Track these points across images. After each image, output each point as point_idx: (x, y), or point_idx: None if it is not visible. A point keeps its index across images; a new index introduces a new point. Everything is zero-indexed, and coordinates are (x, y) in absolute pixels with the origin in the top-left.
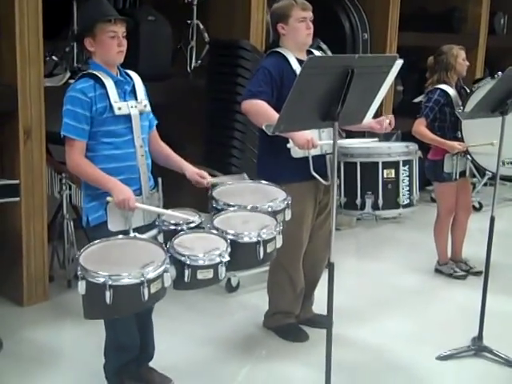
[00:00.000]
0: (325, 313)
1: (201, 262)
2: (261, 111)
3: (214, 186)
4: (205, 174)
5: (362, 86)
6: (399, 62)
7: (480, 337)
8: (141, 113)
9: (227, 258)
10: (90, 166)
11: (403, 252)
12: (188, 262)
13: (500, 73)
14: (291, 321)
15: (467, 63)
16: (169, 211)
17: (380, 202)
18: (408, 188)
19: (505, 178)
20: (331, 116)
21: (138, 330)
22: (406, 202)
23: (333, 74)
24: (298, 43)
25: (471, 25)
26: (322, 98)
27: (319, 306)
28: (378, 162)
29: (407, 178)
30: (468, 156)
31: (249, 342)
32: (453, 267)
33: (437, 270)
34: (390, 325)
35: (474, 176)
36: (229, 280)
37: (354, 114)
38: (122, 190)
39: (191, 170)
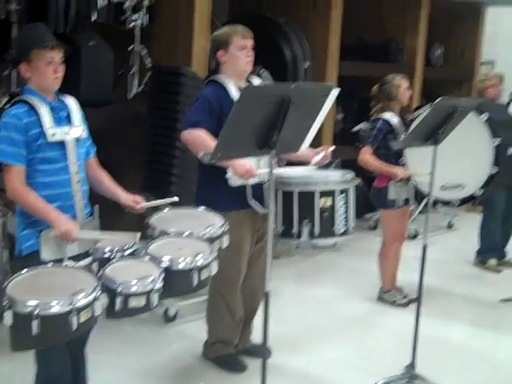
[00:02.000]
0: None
1: (133, 290)
2: (199, 141)
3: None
4: (139, 199)
5: (298, 115)
6: (335, 92)
7: (413, 364)
8: (76, 139)
9: (160, 285)
10: (30, 195)
11: (343, 279)
12: (120, 290)
13: None
14: (230, 351)
15: (410, 92)
16: (109, 235)
17: (316, 230)
18: (344, 216)
19: (444, 203)
20: (268, 144)
21: (71, 363)
22: (342, 230)
23: (269, 103)
24: (237, 71)
25: (408, 56)
26: (258, 126)
27: (259, 335)
28: (314, 191)
29: (343, 207)
30: (411, 182)
31: (187, 373)
32: (395, 295)
33: (379, 297)
34: (327, 353)
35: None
36: (166, 310)
37: (290, 142)
38: (63, 222)
39: (126, 197)
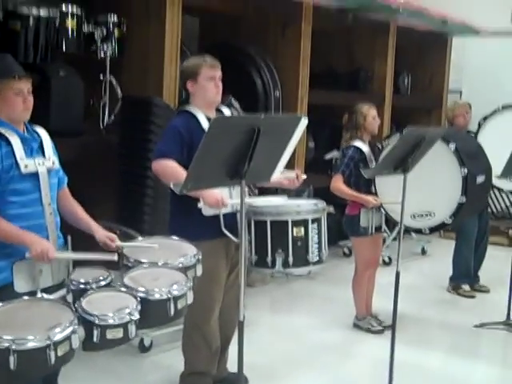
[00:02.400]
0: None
1: (110, 322)
2: (169, 171)
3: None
4: (114, 236)
5: (268, 145)
6: (305, 122)
7: None
8: (49, 170)
9: (137, 317)
10: (1, 222)
11: (318, 307)
12: (97, 322)
13: None
14: (207, 381)
15: (378, 121)
16: (85, 255)
17: (290, 259)
18: (317, 245)
19: (415, 231)
20: (238, 174)
21: None
22: (316, 259)
23: (239, 133)
24: (207, 101)
25: (377, 84)
26: (229, 156)
27: (234, 363)
28: (287, 221)
29: (316, 235)
30: (382, 210)
31: None
32: (370, 322)
33: (355, 325)
34: (304, 382)
35: (384, 231)
36: (142, 340)
37: (261, 171)
38: (39, 242)
39: (101, 232)
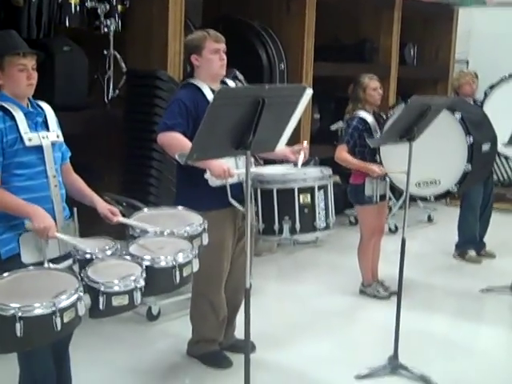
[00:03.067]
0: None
1: (116, 289)
2: (175, 143)
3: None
4: (116, 210)
5: (273, 116)
6: (309, 92)
7: (396, 355)
8: (53, 143)
9: (142, 284)
10: (5, 194)
11: (325, 275)
12: (102, 289)
13: None
14: (215, 348)
15: (380, 92)
16: (86, 243)
17: (297, 226)
18: (324, 212)
19: (420, 198)
20: (244, 145)
21: (54, 363)
22: (323, 225)
23: (244, 105)
24: (211, 74)
25: (383, 56)
26: (234, 127)
27: (242, 331)
28: (293, 188)
29: (323, 202)
30: (387, 179)
31: (172, 371)
32: (377, 288)
33: (361, 292)
34: (310, 348)
35: (390, 199)
36: (149, 308)
37: (266, 142)
38: (43, 218)
39: (102, 205)
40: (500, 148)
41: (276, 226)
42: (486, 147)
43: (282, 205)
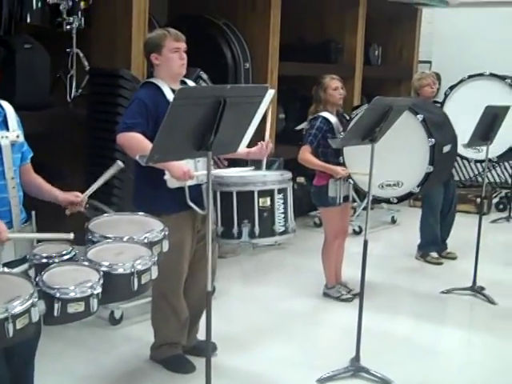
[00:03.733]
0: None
1: (71, 295)
2: (135, 143)
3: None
4: (78, 193)
5: (234, 116)
6: (271, 92)
7: (357, 357)
8: (12, 144)
9: (99, 290)
10: None
11: (289, 277)
12: (58, 295)
13: None
14: (178, 352)
15: (341, 92)
16: (41, 234)
17: (256, 230)
18: (283, 215)
19: (383, 201)
20: (205, 146)
21: (17, 372)
22: (282, 229)
23: (205, 105)
24: (171, 73)
25: (347, 56)
26: (194, 128)
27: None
28: (253, 191)
29: (282, 206)
30: (350, 180)
31: (135, 376)
32: (340, 290)
33: (325, 294)
34: (273, 351)
35: (355, 201)
36: (112, 312)
37: (227, 143)
38: None
39: (62, 194)
40: (460, 150)
41: (235, 230)
42: (447, 148)
43: (241, 208)
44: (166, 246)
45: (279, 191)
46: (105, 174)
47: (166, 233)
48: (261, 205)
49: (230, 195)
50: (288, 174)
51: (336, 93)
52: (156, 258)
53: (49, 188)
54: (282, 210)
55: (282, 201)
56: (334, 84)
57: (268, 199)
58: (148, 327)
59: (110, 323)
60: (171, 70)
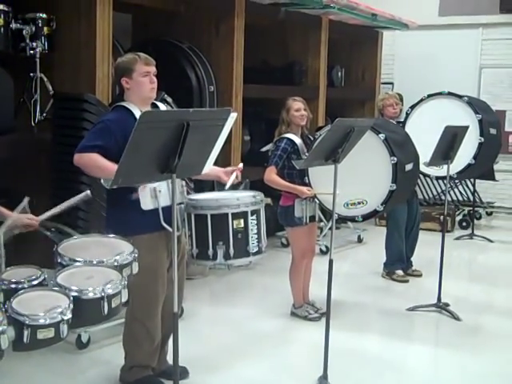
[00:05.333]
0: (181, 364)
1: (41, 321)
2: (92, 164)
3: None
4: (31, 215)
5: (198, 139)
6: (234, 115)
7: (325, 375)
8: None
9: (69, 316)
10: None
11: (257, 297)
12: (27, 322)
13: None
14: (148, 373)
15: (303, 113)
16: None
17: (231, 251)
18: (257, 236)
19: (348, 219)
20: (169, 168)
21: None
22: (256, 249)
23: (168, 128)
24: (142, 97)
25: (311, 78)
26: (159, 151)
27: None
28: (227, 213)
29: (255, 227)
30: (316, 200)
31: None
32: (307, 310)
33: (292, 313)
34: (242, 371)
35: (321, 220)
36: (79, 336)
37: (192, 165)
38: None
39: (16, 215)
40: (422, 167)
41: (210, 251)
42: (409, 166)
43: (215, 230)
44: (135, 268)
45: (252, 212)
46: (69, 201)
47: (136, 255)
48: (235, 227)
49: (205, 217)
50: (260, 195)
51: (298, 114)
52: (126, 282)
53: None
54: (256, 231)
55: (255, 221)
56: (295, 105)
57: (242, 221)
58: (117, 350)
59: (77, 347)
60: (142, 94)
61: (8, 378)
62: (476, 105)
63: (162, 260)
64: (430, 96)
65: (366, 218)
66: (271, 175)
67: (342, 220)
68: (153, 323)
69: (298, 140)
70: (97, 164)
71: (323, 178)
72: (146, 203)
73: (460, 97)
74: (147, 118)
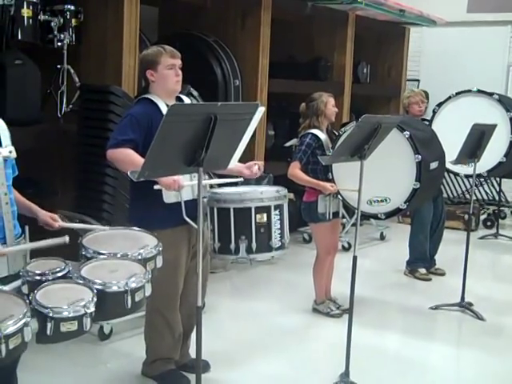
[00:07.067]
0: (202, 358)
1: (64, 314)
2: (126, 159)
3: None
4: (56, 217)
5: (225, 133)
6: (261, 110)
7: (347, 372)
8: (5, 159)
9: (92, 309)
10: None
11: (278, 292)
12: (51, 315)
13: None
14: (171, 367)
15: (336, 109)
16: (37, 244)
17: (253, 245)
18: (279, 231)
19: (371, 216)
20: (196, 162)
21: None
22: (278, 244)
23: (196, 121)
24: (167, 90)
25: (337, 73)
26: (186, 144)
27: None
28: (250, 208)
29: (279, 222)
30: (339, 196)
31: None
32: (329, 306)
33: (314, 309)
34: (263, 367)
35: (344, 217)
36: (101, 327)
37: (218, 159)
38: None
39: (42, 213)
40: (449, 165)
41: (232, 245)
42: (434, 165)
43: (238, 224)
44: (159, 262)
45: (276, 207)
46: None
47: (160, 248)
48: (258, 221)
49: (228, 211)
50: (284, 191)
51: (334, 109)
52: (150, 275)
53: (29, 203)
54: (279, 226)
55: (278, 216)
56: (332, 101)
57: (265, 215)
58: (138, 342)
59: (99, 338)
60: (167, 87)
61: (29, 367)
62: (507, 103)
63: (183, 254)
64: (458, 94)
65: (388, 215)
66: (295, 170)
67: (365, 217)
68: (173, 315)
69: (322, 135)
70: (130, 158)
71: (346, 174)
72: (169, 196)
73: (490, 94)
74: (175, 111)
